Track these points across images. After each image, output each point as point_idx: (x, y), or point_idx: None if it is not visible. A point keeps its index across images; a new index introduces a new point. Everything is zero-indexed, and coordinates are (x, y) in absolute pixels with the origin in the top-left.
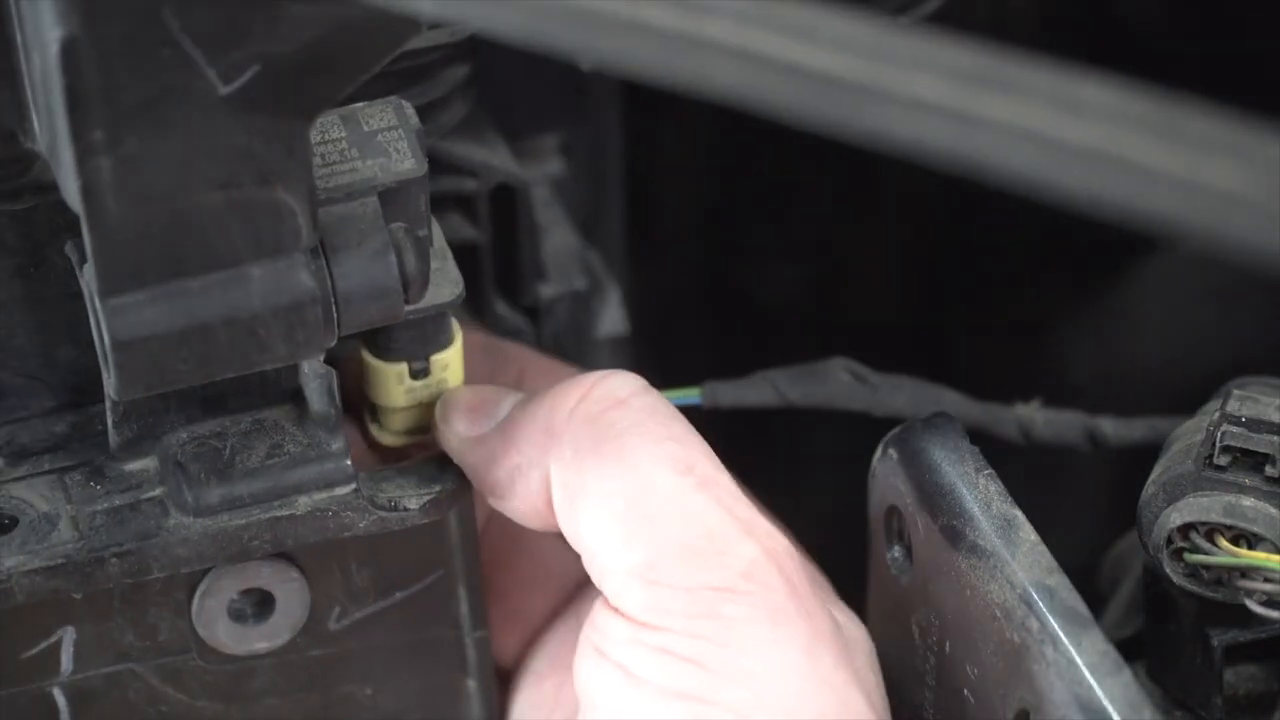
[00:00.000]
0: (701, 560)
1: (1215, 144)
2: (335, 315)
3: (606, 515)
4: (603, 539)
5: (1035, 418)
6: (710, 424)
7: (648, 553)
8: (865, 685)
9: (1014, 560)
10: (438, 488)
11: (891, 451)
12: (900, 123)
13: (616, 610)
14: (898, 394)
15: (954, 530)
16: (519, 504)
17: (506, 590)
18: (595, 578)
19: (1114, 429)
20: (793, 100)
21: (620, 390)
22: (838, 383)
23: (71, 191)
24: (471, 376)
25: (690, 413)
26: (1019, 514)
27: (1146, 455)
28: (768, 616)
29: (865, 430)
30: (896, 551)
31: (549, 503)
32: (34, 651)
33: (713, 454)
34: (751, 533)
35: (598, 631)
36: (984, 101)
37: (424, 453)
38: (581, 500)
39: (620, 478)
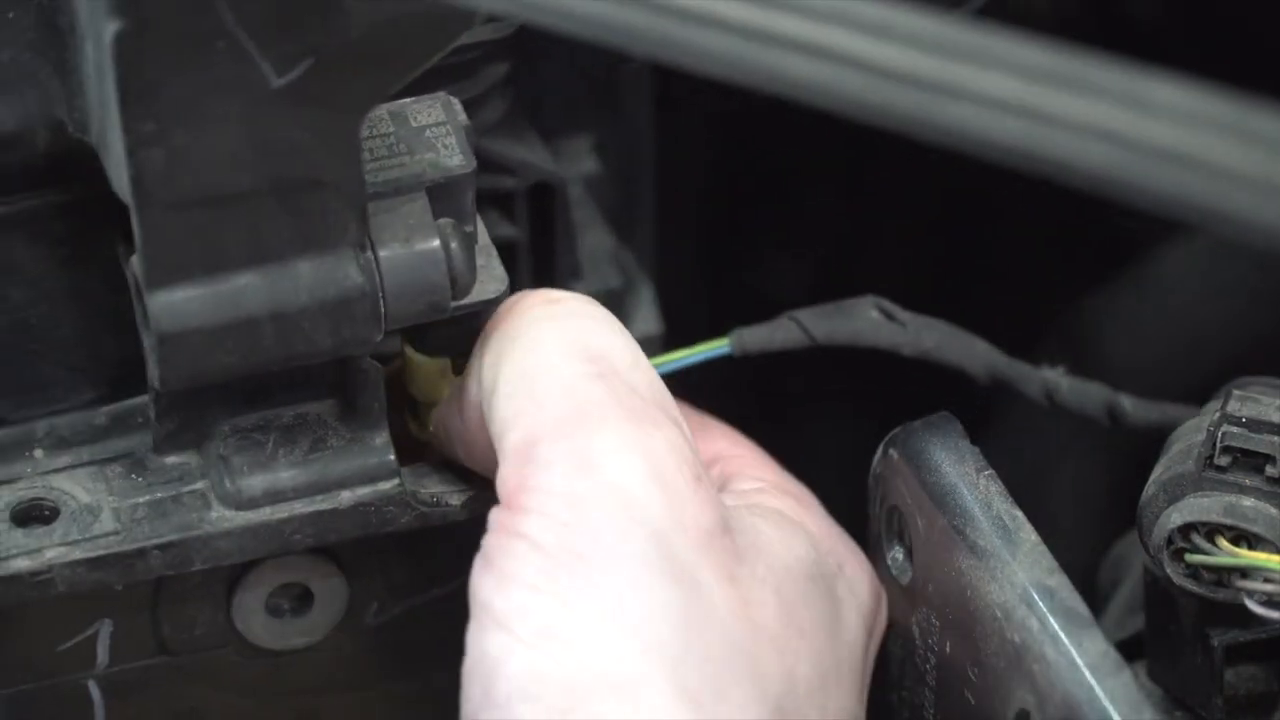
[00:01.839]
0: (568, 438)
1: None
2: (382, 310)
3: (507, 398)
4: (499, 420)
5: (1060, 382)
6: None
7: (526, 431)
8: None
9: (1014, 560)
10: (480, 484)
11: (892, 451)
12: (972, 121)
13: (498, 496)
14: (928, 334)
15: (954, 530)
16: (466, 421)
17: None
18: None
19: (1134, 407)
20: (867, 97)
21: (557, 294)
22: (866, 320)
23: (121, 182)
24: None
25: (710, 386)
26: (1019, 514)
27: (1148, 454)
28: (619, 500)
29: (865, 430)
30: (896, 551)
31: (480, 406)
32: (70, 644)
33: (643, 362)
34: (633, 417)
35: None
36: (1057, 99)
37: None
38: (492, 385)
39: (525, 361)
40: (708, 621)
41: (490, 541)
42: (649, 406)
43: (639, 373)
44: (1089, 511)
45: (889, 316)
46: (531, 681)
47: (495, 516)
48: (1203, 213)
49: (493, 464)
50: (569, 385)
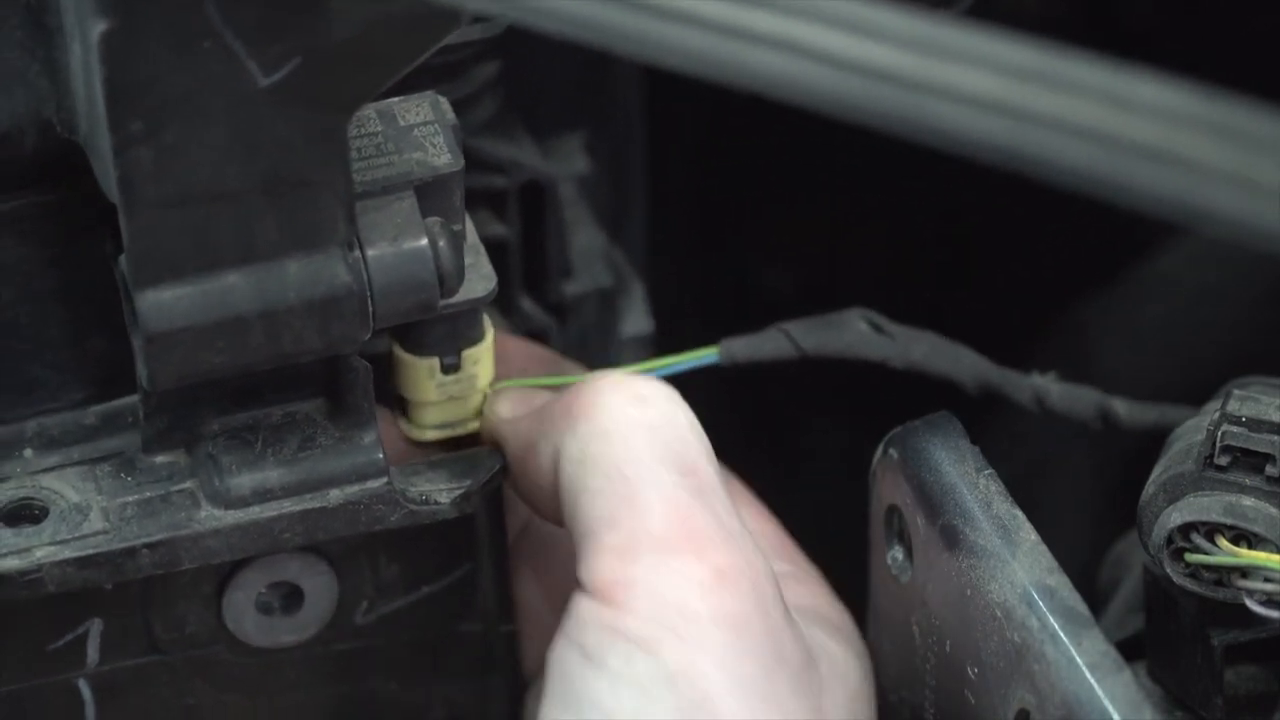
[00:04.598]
0: (679, 554)
1: (1269, 141)
2: (370, 309)
3: (600, 495)
4: (591, 516)
5: (1050, 388)
6: (711, 423)
7: (628, 535)
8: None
9: (1014, 560)
10: (468, 482)
11: (892, 451)
12: (952, 119)
13: (586, 588)
14: (916, 346)
15: (954, 530)
16: (532, 481)
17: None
18: (578, 557)
19: (1127, 410)
20: (844, 96)
21: (646, 390)
22: (855, 332)
23: (109, 182)
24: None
25: (702, 388)
26: (1019, 514)
27: (1148, 454)
28: (732, 624)
29: (865, 430)
30: (896, 551)
31: (555, 482)
32: (61, 643)
33: (720, 474)
34: (734, 543)
35: (569, 613)
36: (1037, 97)
37: (455, 448)
38: (581, 479)
39: (622, 463)
40: None
41: (591, 637)
42: (743, 530)
43: (722, 486)
44: (1089, 512)
45: (877, 329)
46: None
47: (592, 610)
48: (1182, 210)
49: (548, 512)
50: (671, 499)
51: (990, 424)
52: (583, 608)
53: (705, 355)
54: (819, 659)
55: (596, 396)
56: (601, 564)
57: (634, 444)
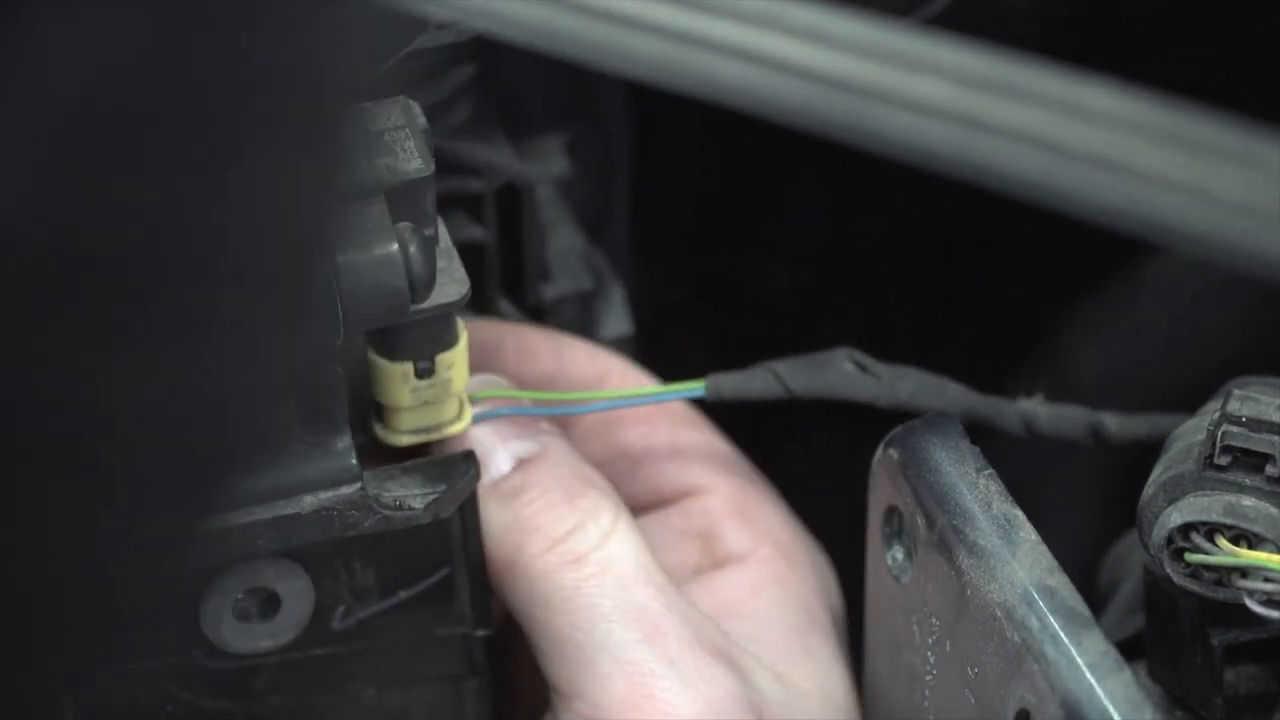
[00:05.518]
0: (644, 718)
1: (1221, 151)
2: (341, 314)
3: (557, 660)
4: (553, 674)
5: (1039, 412)
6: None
7: (593, 707)
8: None
9: (1014, 560)
10: (443, 487)
11: (892, 451)
12: (903, 127)
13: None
14: (902, 385)
15: (954, 530)
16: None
17: None
18: (552, 707)
19: (1117, 425)
20: (795, 103)
21: (579, 546)
22: (841, 373)
23: None
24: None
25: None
26: (1019, 514)
27: (1147, 454)
28: None
29: (865, 430)
30: (896, 551)
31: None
32: None
33: (668, 594)
34: (693, 686)
35: None
36: (989, 106)
37: (428, 452)
38: (534, 635)
39: (572, 629)
40: None
41: None
42: (698, 657)
43: (668, 610)
44: (1089, 511)
45: (863, 369)
46: None
47: None
48: (1133, 219)
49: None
50: (626, 664)
51: (990, 425)
52: None
53: (692, 388)
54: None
55: (530, 563)
56: None
57: (576, 608)
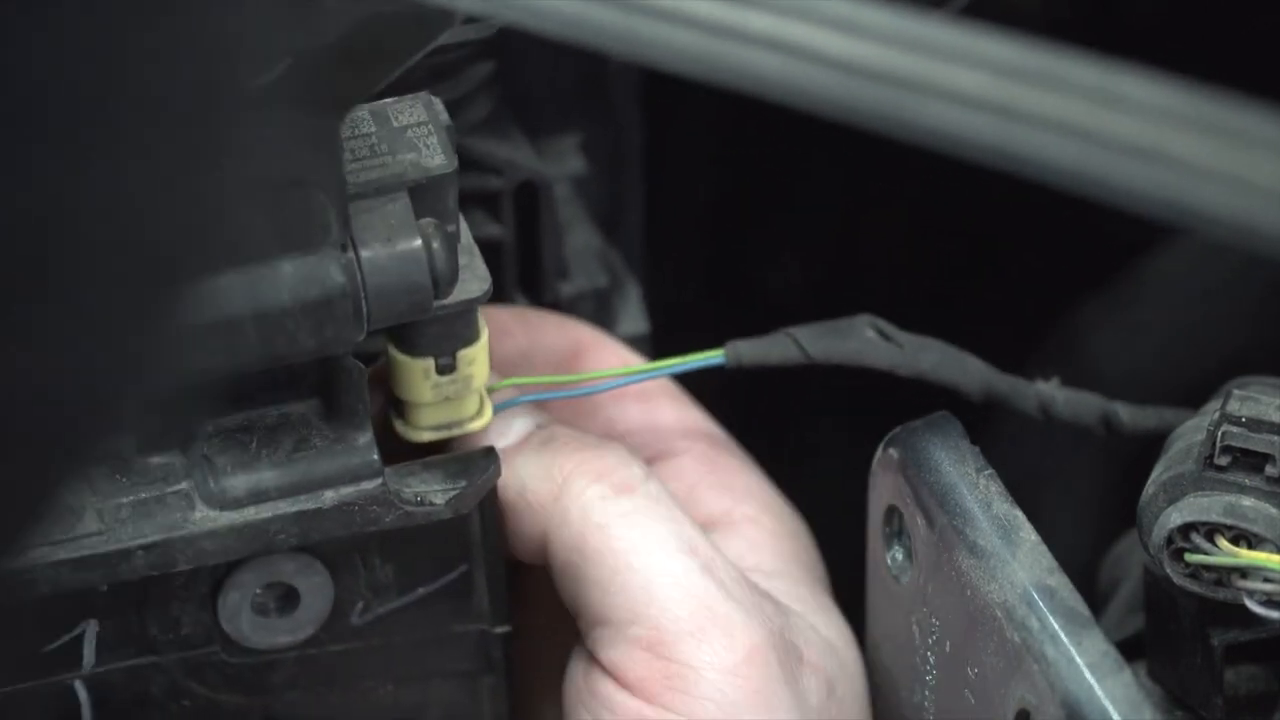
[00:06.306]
0: (708, 642)
1: (1260, 139)
2: (364, 310)
3: (610, 589)
4: (606, 606)
5: (1055, 395)
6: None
7: (655, 630)
8: None
9: (1014, 560)
10: (463, 483)
11: (892, 451)
12: (943, 118)
13: (618, 680)
14: (924, 355)
15: (954, 530)
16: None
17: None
18: (590, 642)
19: (1129, 415)
20: (834, 95)
21: (627, 478)
22: (863, 339)
23: None
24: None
25: (703, 385)
26: (1019, 514)
27: (1148, 455)
28: (764, 701)
29: (865, 429)
30: (896, 551)
31: (543, 554)
32: (56, 644)
33: (706, 537)
34: (752, 616)
35: (596, 699)
36: (1027, 96)
37: (449, 448)
38: (582, 570)
39: (628, 555)
40: None
41: None
42: (750, 592)
43: (717, 553)
44: (1089, 511)
45: (885, 336)
46: None
47: (631, 707)
48: (1173, 210)
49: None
50: (687, 586)
51: (990, 425)
52: (616, 701)
53: (711, 357)
54: (832, 680)
55: (581, 493)
56: (634, 659)
57: (633, 535)
